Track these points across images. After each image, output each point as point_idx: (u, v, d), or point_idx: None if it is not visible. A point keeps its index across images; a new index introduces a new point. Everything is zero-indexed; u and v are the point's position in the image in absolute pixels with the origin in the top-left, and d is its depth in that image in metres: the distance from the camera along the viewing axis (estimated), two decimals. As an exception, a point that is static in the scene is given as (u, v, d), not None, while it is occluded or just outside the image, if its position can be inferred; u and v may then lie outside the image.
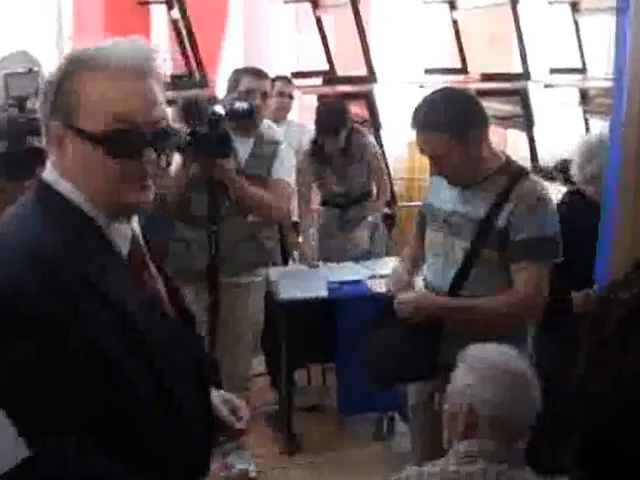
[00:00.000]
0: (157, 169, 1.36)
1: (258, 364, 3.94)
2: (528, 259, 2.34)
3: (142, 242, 1.46)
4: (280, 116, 4.48)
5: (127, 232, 1.40)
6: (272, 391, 4.12)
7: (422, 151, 2.42)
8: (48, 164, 1.37)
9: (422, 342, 2.40)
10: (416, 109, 2.38)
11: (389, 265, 3.39)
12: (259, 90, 3.39)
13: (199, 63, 5.26)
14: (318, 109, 4.22)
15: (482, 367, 1.80)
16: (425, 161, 6.43)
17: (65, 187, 1.34)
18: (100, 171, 1.32)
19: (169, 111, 4.89)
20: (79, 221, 1.33)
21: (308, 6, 5.89)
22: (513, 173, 2.42)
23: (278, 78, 4.61)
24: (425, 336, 2.40)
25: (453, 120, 2.34)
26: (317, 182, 4.33)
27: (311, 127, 4.31)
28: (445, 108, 2.35)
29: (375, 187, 4.34)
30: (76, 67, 1.31)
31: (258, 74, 3.45)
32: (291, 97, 4.61)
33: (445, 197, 2.51)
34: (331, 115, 4.11)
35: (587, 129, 5.85)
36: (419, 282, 2.66)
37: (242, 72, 3.49)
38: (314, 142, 4.20)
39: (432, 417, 2.39)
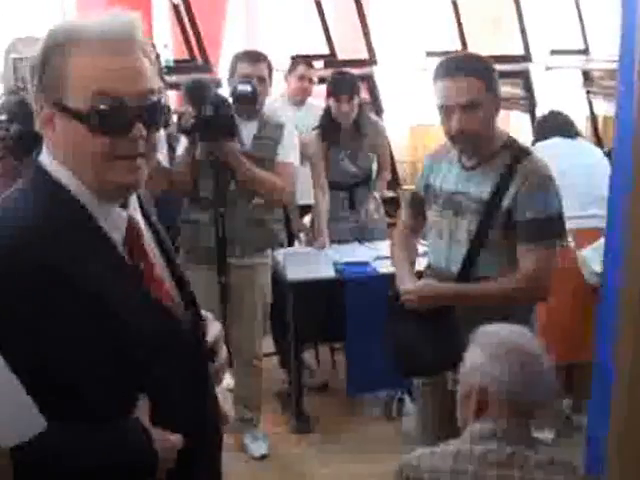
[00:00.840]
0: (148, 146, 1.31)
1: (267, 344, 3.97)
2: (535, 240, 2.35)
3: (144, 226, 1.41)
4: (300, 99, 4.50)
5: (122, 216, 1.35)
6: (282, 371, 4.16)
7: (446, 106, 2.32)
8: (44, 146, 1.34)
9: (442, 333, 2.40)
10: (446, 59, 2.36)
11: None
12: (255, 75, 3.40)
13: (201, 48, 5.25)
14: (332, 76, 4.18)
15: (491, 345, 1.81)
16: (427, 144, 6.42)
17: (57, 170, 1.31)
18: (88, 149, 1.28)
19: (171, 94, 4.90)
20: (68, 208, 1.30)
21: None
22: (516, 151, 2.41)
23: (298, 61, 4.62)
24: (441, 326, 2.40)
25: (489, 70, 2.35)
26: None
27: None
28: (479, 59, 2.38)
29: (377, 165, 4.33)
30: (59, 43, 1.27)
31: (254, 59, 3.45)
32: (311, 81, 4.60)
33: (446, 177, 2.49)
34: (346, 80, 4.10)
35: (591, 110, 5.86)
36: (421, 263, 2.67)
37: (239, 58, 3.50)
38: (325, 116, 4.12)
39: (441, 396, 2.42)
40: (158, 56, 3.20)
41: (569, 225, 3.53)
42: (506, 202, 2.34)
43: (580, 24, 6.05)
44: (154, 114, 1.31)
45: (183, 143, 3.41)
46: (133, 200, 1.39)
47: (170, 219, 3.58)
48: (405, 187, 5.86)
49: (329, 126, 4.09)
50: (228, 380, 3.56)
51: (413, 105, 6.47)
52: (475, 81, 2.31)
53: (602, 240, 3.36)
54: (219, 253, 3.37)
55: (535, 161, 2.41)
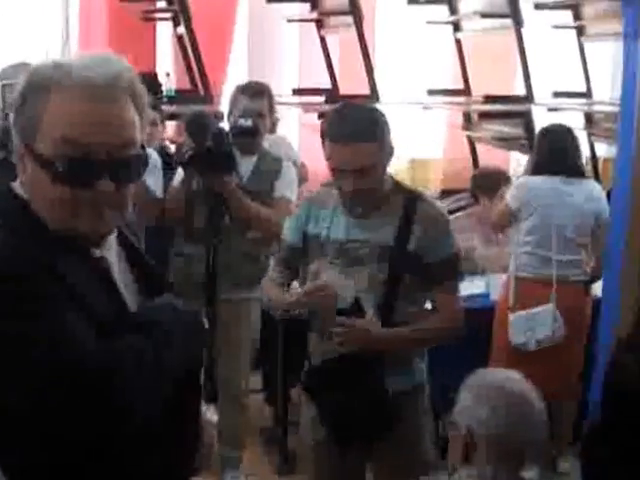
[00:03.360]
0: (118, 199, 1.26)
1: (255, 381, 3.91)
2: (449, 279, 2.38)
3: (121, 262, 1.37)
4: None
5: (94, 255, 1.31)
6: (269, 408, 4.09)
7: (340, 169, 2.27)
8: (18, 178, 1.31)
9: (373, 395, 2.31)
10: (337, 122, 2.28)
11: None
12: (254, 111, 3.39)
13: (204, 79, 5.27)
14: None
15: (478, 387, 1.79)
16: (426, 179, 6.39)
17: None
18: (49, 196, 1.23)
19: (171, 125, 4.90)
20: (44, 232, 1.26)
21: (312, 25, 5.91)
22: (408, 194, 2.39)
23: None
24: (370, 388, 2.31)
25: (381, 126, 2.29)
26: None
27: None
28: (370, 117, 2.29)
29: None
30: (37, 83, 1.24)
31: (255, 93, 3.45)
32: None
33: (333, 225, 2.38)
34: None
35: (592, 152, 5.85)
36: None
37: (240, 91, 3.50)
38: None
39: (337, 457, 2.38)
40: (157, 106, 3.22)
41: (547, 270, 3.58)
42: (412, 246, 2.32)
43: (583, 67, 6.07)
44: (126, 170, 1.25)
45: (179, 174, 3.40)
46: (110, 239, 1.34)
47: (161, 252, 3.57)
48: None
49: None
50: (212, 415, 3.49)
51: (413, 141, 6.49)
52: (368, 146, 2.24)
53: (536, 311, 3.39)
54: (209, 287, 3.33)
55: (432, 202, 2.46)
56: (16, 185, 1.31)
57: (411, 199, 2.36)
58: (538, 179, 3.71)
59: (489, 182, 4.31)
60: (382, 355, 2.31)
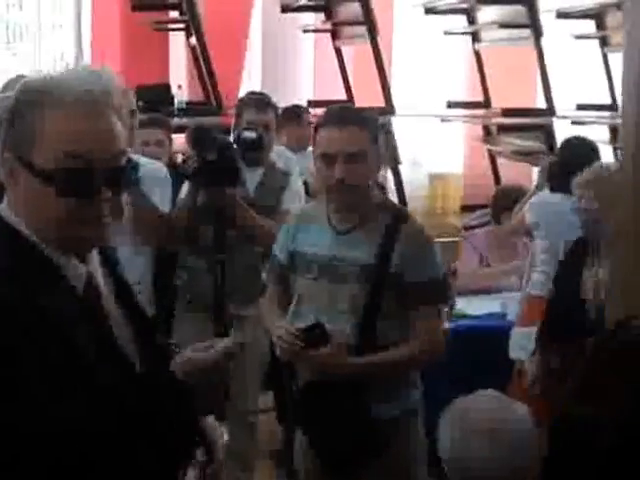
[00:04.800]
0: (114, 207, 1.29)
1: (267, 400, 3.82)
2: (430, 302, 2.28)
3: (106, 283, 1.37)
4: (300, 146, 4.39)
5: (80, 271, 1.31)
6: (281, 429, 3.98)
7: (330, 154, 2.19)
8: (5, 196, 1.31)
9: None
10: (333, 109, 2.32)
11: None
12: (260, 123, 3.30)
13: (216, 91, 5.22)
14: None
15: (446, 412, 1.72)
16: (446, 194, 6.25)
17: (18, 221, 1.28)
18: (51, 210, 1.26)
19: (181, 138, 4.84)
20: (30, 257, 1.26)
21: (328, 36, 5.84)
22: (395, 212, 2.33)
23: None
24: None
25: (375, 123, 2.29)
26: None
27: None
28: (365, 111, 2.38)
29: None
30: (30, 98, 1.26)
31: (261, 106, 3.36)
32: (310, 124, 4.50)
33: (318, 242, 2.31)
34: None
35: (617, 167, 5.69)
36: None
37: (245, 103, 3.43)
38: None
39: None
40: (134, 112, 3.18)
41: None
42: (394, 265, 2.23)
43: (607, 78, 5.93)
44: (122, 178, 1.31)
45: (185, 188, 3.33)
46: (94, 257, 1.36)
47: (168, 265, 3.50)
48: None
49: None
50: (222, 435, 3.38)
51: (431, 154, 6.38)
52: (362, 132, 2.22)
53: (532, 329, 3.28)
54: (216, 302, 3.24)
55: (417, 224, 2.38)
56: (1, 207, 1.31)
57: (396, 218, 2.29)
58: (554, 196, 3.61)
59: (509, 200, 4.20)
60: (364, 381, 2.23)
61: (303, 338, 2.19)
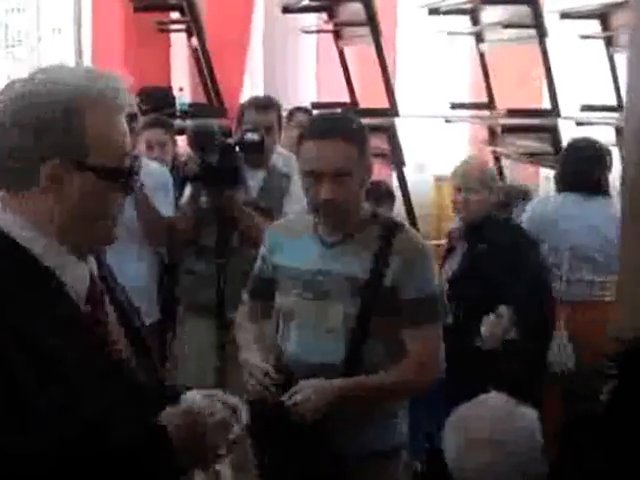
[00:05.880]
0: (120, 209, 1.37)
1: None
2: (423, 322, 2.12)
3: (98, 280, 1.38)
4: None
5: (85, 272, 1.34)
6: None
7: (316, 173, 2.06)
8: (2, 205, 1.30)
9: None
10: (318, 119, 2.22)
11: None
12: (262, 125, 3.27)
13: (217, 92, 5.18)
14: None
15: (450, 417, 1.69)
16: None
17: (19, 232, 1.27)
18: (102, 207, 1.32)
19: (183, 140, 4.80)
20: (24, 265, 1.27)
21: (331, 37, 5.79)
22: (387, 223, 2.18)
23: (298, 109, 4.50)
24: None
25: (362, 134, 2.13)
26: None
27: None
28: (352, 120, 2.16)
29: None
30: (73, 103, 1.27)
31: (263, 107, 3.33)
32: None
33: (303, 254, 2.16)
34: None
35: (624, 169, 5.65)
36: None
37: (247, 105, 3.40)
38: None
39: None
40: (135, 115, 3.16)
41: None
42: (389, 280, 2.10)
43: (613, 79, 5.88)
44: (128, 180, 1.36)
45: (188, 190, 3.30)
46: (90, 259, 1.37)
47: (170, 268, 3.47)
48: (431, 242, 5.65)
49: None
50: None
51: (436, 156, 6.33)
52: (348, 145, 2.07)
53: None
54: (218, 307, 3.20)
55: (412, 234, 2.23)
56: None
57: (389, 228, 2.15)
58: (556, 197, 3.61)
59: (505, 198, 4.18)
60: (332, 415, 2.04)
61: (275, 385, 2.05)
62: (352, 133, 2.10)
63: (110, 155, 1.29)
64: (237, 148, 3.22)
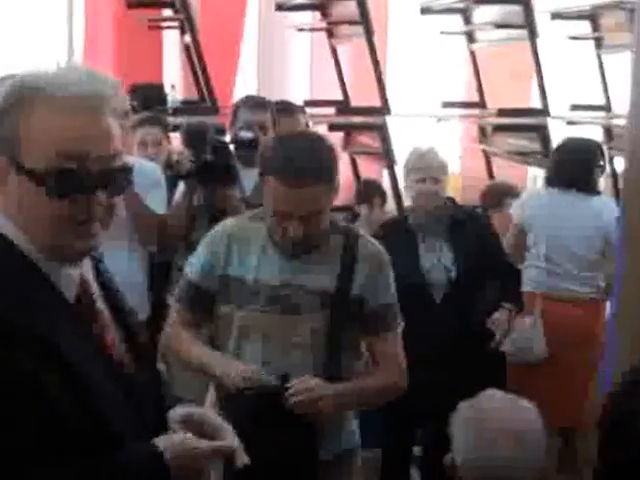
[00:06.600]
0: (107, 212, 1.25)
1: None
2: (389, 329, 2.13)
3: (95, 286, 1.33)
4: None
5: (73, 276, 1.27)
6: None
7: (285, 213, 1.98)
8: None
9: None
10: (282, 159, 1.98)
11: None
12: (257, 123, 3.27)
13: (210, 89, 5.17)
14: None
15: (462, 412, 1.67)
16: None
17: (7, 227, 1.23)
18: (41, 212, 1.21)
19: (176, 138, 4.80)
20: (18, 263, 1.22)
21: (324, 35, 5.80)
22: (346, 231, 2.14)
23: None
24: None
25: (329, 169, 2.02)
26: None
27: None
28: (319, 153, 2.02)
29: None
30: (21, 95, 1.21)
31: (256, 107, 3.34)
32: (308, 127, 4.46)
33: (261, 266, 2.06)
34: None
35: (612, 167, 5.71)
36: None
37: (240, 105, 3.40)
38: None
39: None
40: (127, 113, 3.13)
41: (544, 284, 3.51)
42: (356, 290, 2.07)
43: (602, 79, 5.92)
44: (117, 179, 1.25)
45: (181, 188, 3.29)
46: (86, 260, 1.32)
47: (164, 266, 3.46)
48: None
49: None
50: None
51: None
52: (319, 187, 1.98)
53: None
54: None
55: (371, 242, 2.17)
56: None
57: (351, 237, 2.11)
58: (544, 193, 3.67)
59: (495, 197, 4.24)
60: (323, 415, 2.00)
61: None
62: (321, 171, 2.00)
63: (38, 155, 1.19)
64: (231, 146, 3.23)
